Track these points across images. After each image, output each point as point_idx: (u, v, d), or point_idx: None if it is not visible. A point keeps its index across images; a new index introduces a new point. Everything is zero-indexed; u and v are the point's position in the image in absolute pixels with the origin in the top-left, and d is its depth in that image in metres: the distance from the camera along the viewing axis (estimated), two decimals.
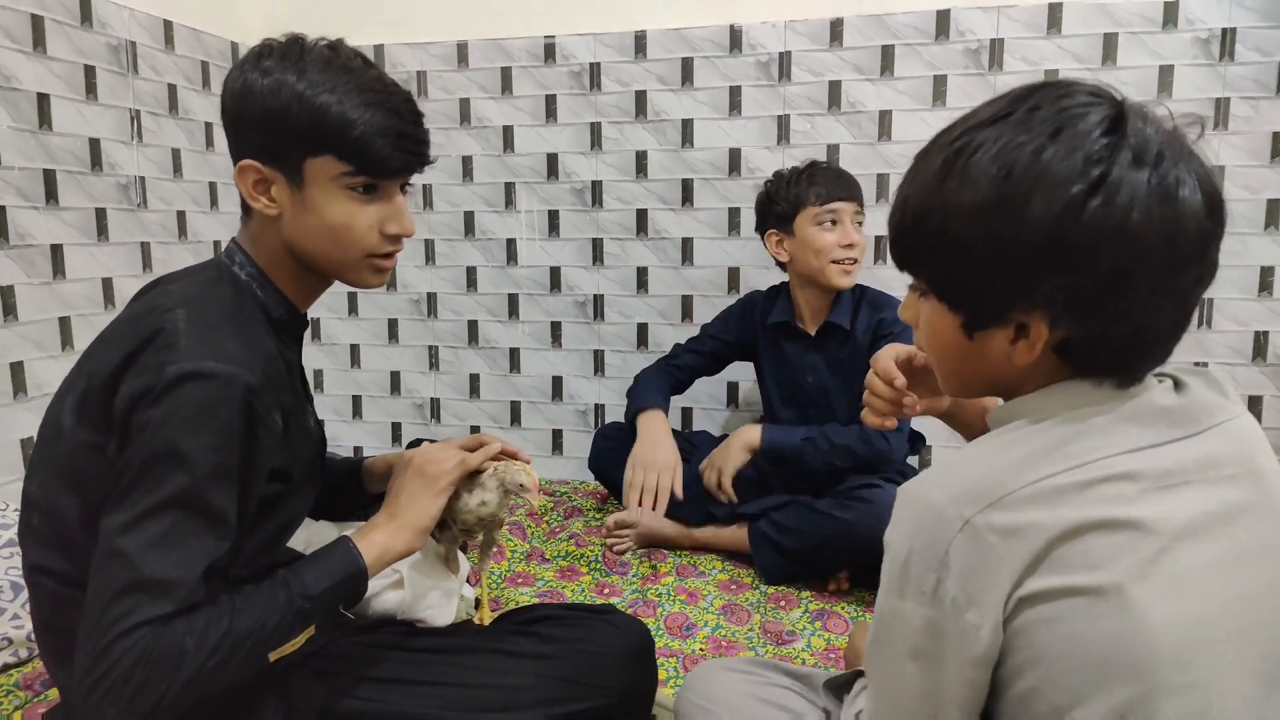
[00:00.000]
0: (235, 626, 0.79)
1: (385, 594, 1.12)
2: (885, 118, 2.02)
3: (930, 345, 0.68)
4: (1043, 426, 0.59)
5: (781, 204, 1.70)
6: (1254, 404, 1.96)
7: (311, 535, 1.18)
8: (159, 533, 0.76)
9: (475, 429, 2.38)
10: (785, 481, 1.67)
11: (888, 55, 2.01)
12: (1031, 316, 0.58)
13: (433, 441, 1.11)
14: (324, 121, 0.86)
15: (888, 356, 0.86)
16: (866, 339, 1.68)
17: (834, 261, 1.65)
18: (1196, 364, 1.16)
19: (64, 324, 1.70)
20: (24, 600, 1.27)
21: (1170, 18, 1.90)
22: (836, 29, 2.02)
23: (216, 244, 2.12)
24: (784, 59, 2.06)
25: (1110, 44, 1.93)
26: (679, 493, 1.57)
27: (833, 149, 2.05)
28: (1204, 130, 0.58)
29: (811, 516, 1.52)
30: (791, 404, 1.81)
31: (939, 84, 1.99)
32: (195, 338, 0.80)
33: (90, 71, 1.76)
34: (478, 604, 1.23)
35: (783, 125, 2.08)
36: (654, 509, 1.57)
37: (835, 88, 2.04)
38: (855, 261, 1.67)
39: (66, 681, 0.88)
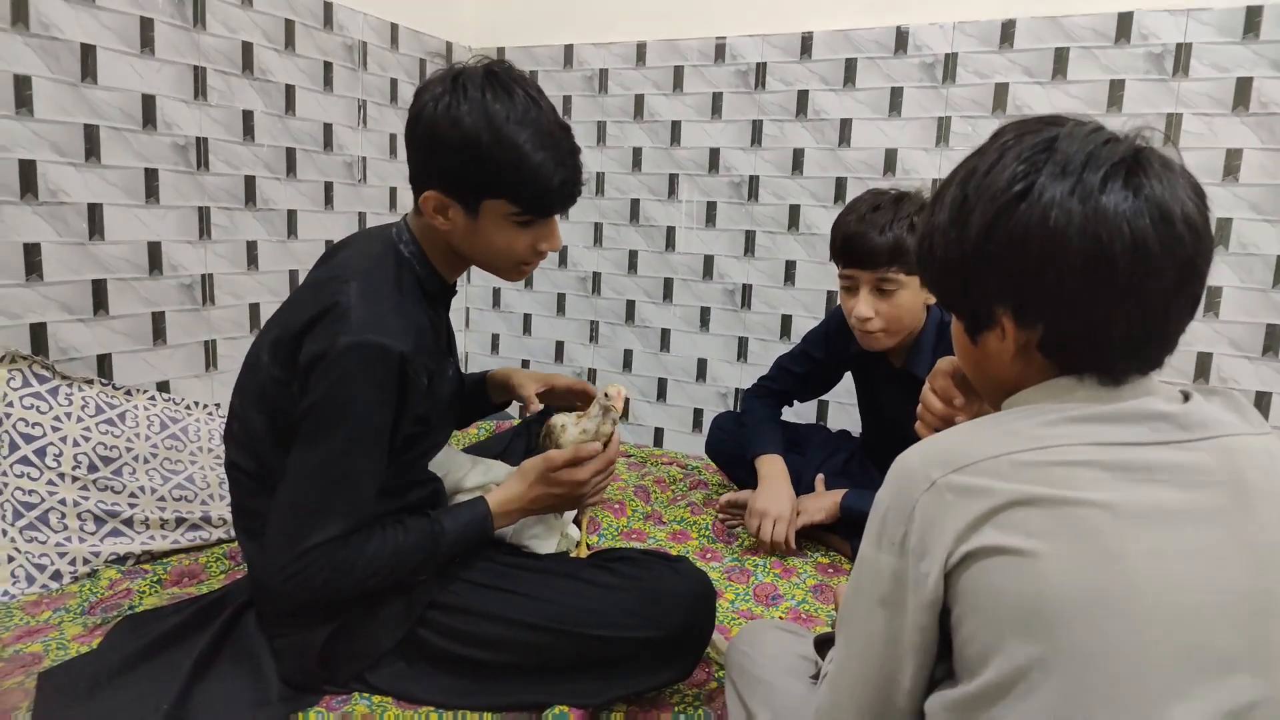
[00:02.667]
0: (389, 558, 1.04)
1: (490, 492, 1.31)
2: None
3: (958, 355, 0.79)
4: (1022, 412, 0.66)
5: (831, 249, 1.59)
6: None
7: (444, 458, 1.40)
8: (335, 467, 1.01)
9: (625, 402, 2.57)
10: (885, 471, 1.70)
11: (1061, 58, 1.95)
12: (1001, 314, 0.67)
13: (556, 411, 1.33)
14: (506, 178, 1.04)
15: (945, 374, 0.89)
16: None
17: (855, 327, 1.57)
18: None
19: (294, 275, 2.07)
20: None
21: (1123, 32, 1.86)
22: (1008, 30, 1.99)
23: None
24: (950, 60, 2.05)
25: (1061, 58, 1.92)
26: (792, 544, 1.63)
27: None
28: (1153, 138, 0.64)
29: None
30: (877, 429, 1.82)
31: (1114, 88, 1.91)
32: (362, 313, 1.02)
33: (328, 67, 2.11)
34: (578, 543, 1.40)
35: (943, 127, 2.08)
36: (775, 554, 1.63)
37: (1002, 90, 2.01)
38: (873, 334, 1.54)
39: (253, 552, 1.15)
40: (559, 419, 1.26)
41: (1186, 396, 0.66)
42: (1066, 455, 0.60)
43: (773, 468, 1.73)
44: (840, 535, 1.69)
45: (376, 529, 1.06)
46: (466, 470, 1.39)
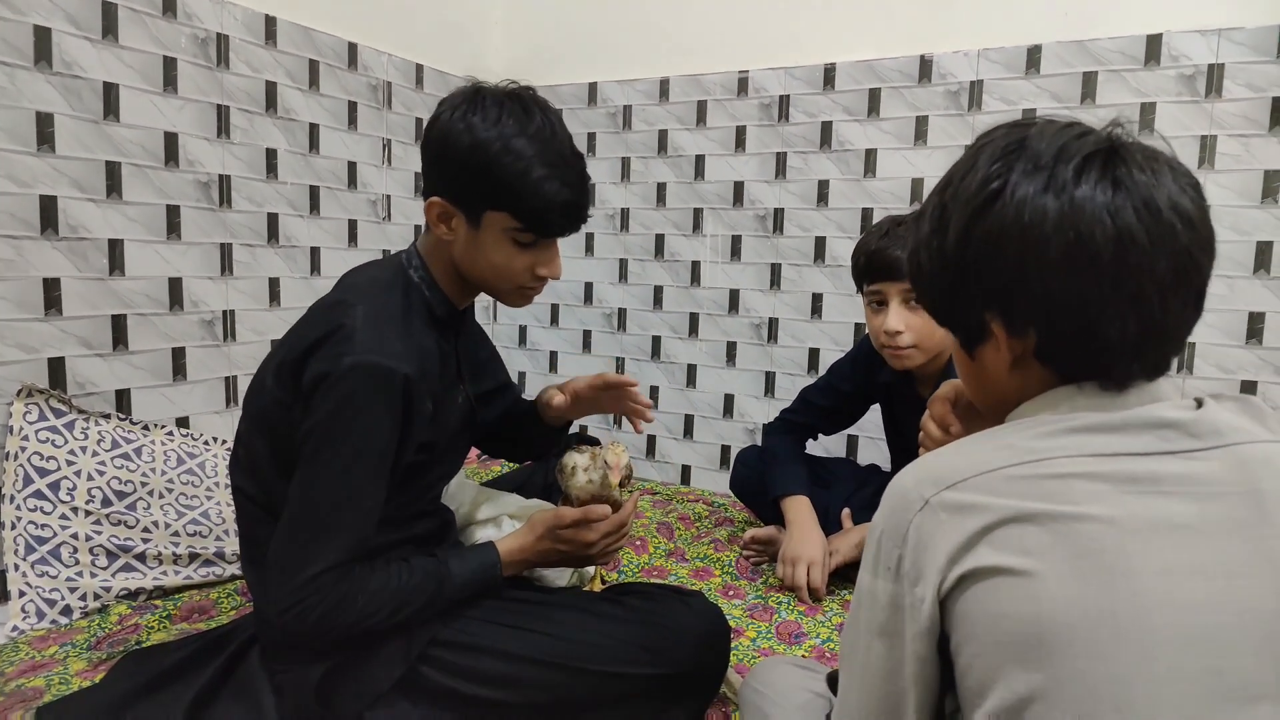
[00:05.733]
0: (391, 596, 1.01)
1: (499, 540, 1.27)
2: None
3: (960, 375, 0.75)
4: (1019, 425, 0.62)
5: (854, 273, 1.58)
6: None
7: (457, 490, 1.36)
8: (337, 491, 0.98)
9: (651, 440, 2.52)
10: None
11: (1089, 82, 1.91)
12: (990, 320, 0.64)
13: (580, 443, 1.27)
14: (510, 188, 1.03)
15: (943, 399, 0.86)
16: None
17: (884, 346, 1.53)
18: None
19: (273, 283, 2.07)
20: None
21: (1153, 54, 1.82)
22: (1034, 56, 1.95)
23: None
24: (975, 88, 2.02)
25: (1090, 82, 1.89)
26: (821, 591, 1.55)
27: None
28: (1131, 128, 0.62)
29: None
30: (905, 456, 1.75)
31: (1145, 110, 1.86)
32: (367, 335, 1.00)
33: (353, 107, 2.14)
34: (592, 576, 1.35)
35: None
36: (813, 600, 1.56)
37: (1028, 116, 1.96)
38: (904, 350, 1.49)
39: (255, 580, 1.12)
40: (570, 459, 1.23)
41: (1200, 403, 0.61)
42: (1063, 468, 0.56)
43: (800, 510, 1.67)
44: None
45: (380, 564, 1.03)
46: (479, 503, 1.36)
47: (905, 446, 1.76)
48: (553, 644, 1.05)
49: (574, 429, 1.45)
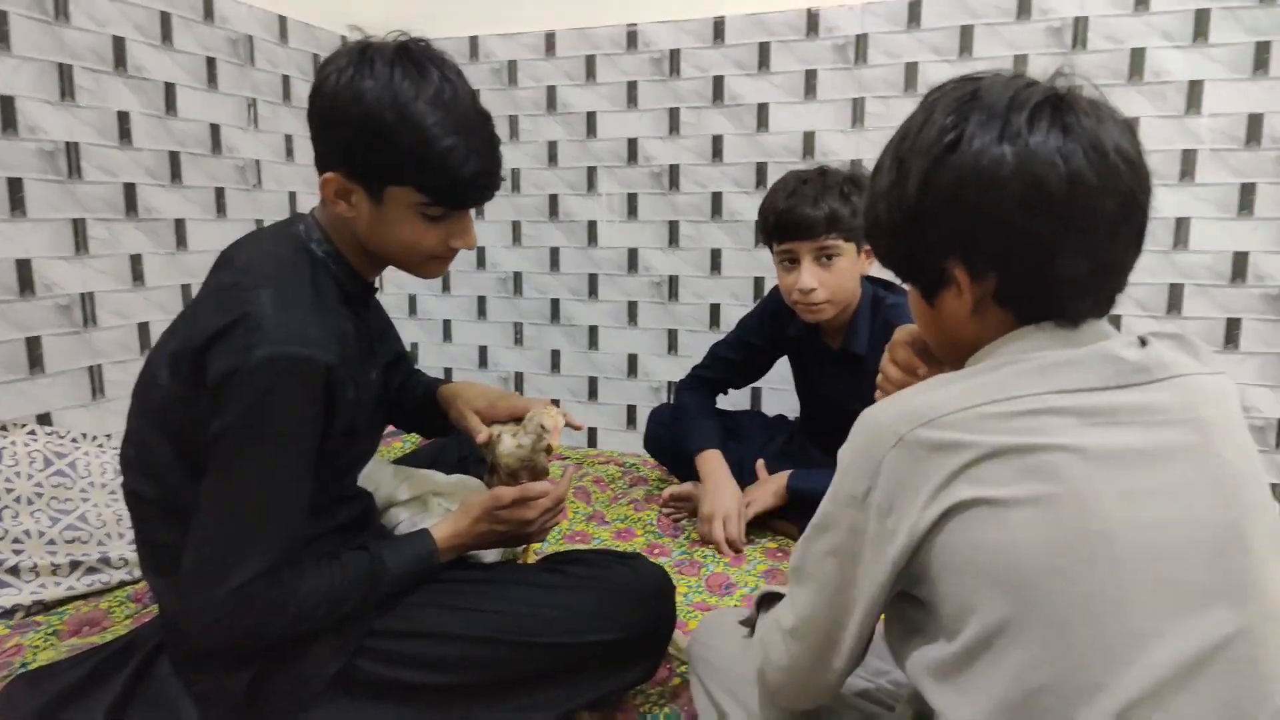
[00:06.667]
0: (324, 597, 0.94)
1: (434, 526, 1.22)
2: None
3: (919, 323, 0.78)
4: (986, 365, 0.65)
5: (761, 232, 1.60)
6: None
7: (373, 471, 1.29)
8: (258, 495, 0.90)
9: (556, 401, 2.48)
10: (826, 450, 1.69)
11: (966, 35, 1.98)
12: (951, 267, 0.66)
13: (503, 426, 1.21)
14: (413, 162, 0.92)
15: (905, 344, 0.88)
16: (879, 363, 1.61)
17: (797, 303, 1.56)
18: None
19: (186, 290, 1.91)
20: None
21: (1024, 8, 1.94)
22: (915, 10, 2.00)
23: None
24: (860, 41, 2.06)
25: (967, 35, 1.99)
26: (740, 542, 1.57)
27: None
28: (1073, 78, 0.67)
29: None
30: (816, 409, 1.82)
31: (1018, 63, 1.95)
32: (279, 321, 0.89)
33: (212, 64, 1.96)
34: (524, 549, 1.32)
35: (858, 108, 2.08)
36: (733, 551, 1.58)
37: (912, 69, 2.03)
38: (817, 305, 1.53)
39: (162, 589, 1.02)
40: (495, 428, 1.18)
41: (1143, 341, 0.66)
42: (1033, 404, 0.60)
43: (714, 465, 1.69)
44: (788, 519, 1.66)
45: (309, 565, 0.95)
46: (398, 483, 1.30)
47: (814, 392, 1.81)
48: (499, 620, 1.01)
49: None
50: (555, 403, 1.21)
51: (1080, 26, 1.91)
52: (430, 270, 1.06)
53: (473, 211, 1.05)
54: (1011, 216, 0.62)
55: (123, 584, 1.42)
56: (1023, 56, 1.95)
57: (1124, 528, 0.57)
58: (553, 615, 1.02)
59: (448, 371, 2.58)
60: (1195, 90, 1.86)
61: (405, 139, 0.92)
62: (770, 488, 1.65)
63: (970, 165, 0.63)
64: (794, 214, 1.50)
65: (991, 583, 0.57)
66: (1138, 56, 1.88)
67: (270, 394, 0.88)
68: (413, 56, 0.95)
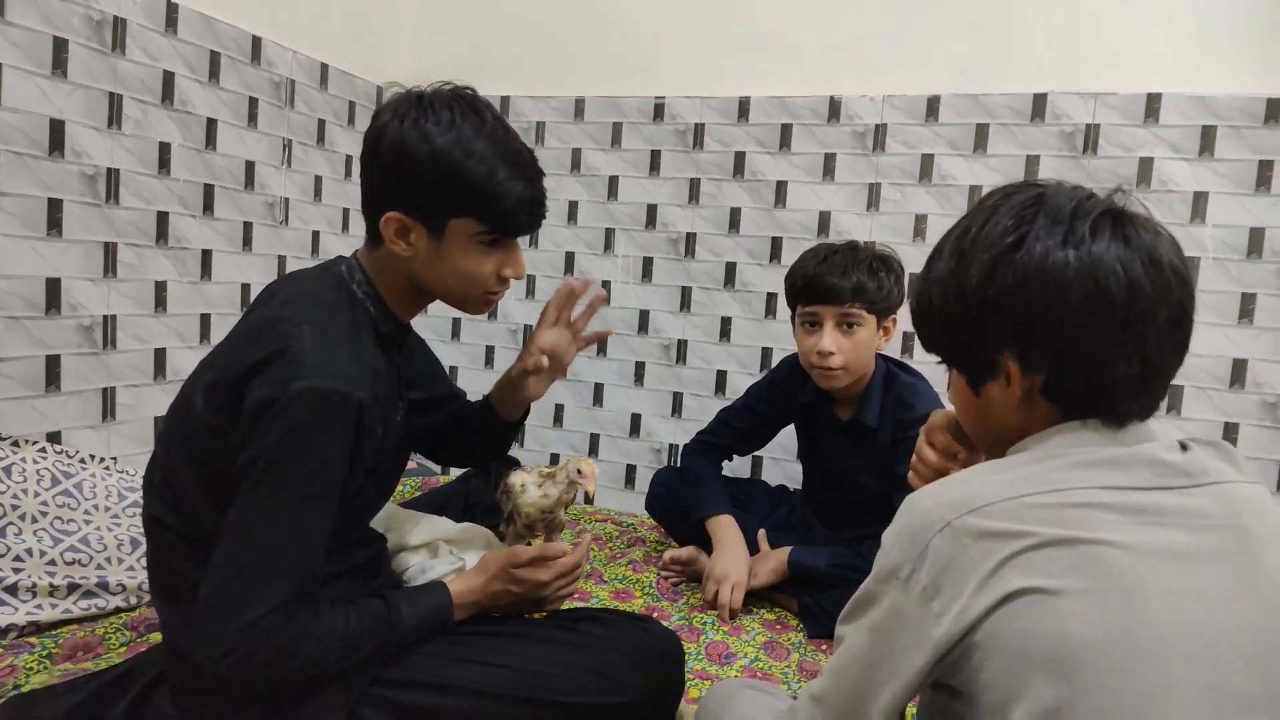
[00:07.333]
0: (338, 642, 0.95)
1: (449, 580, 1.22)
2: (975, 192, 2.07)
3: (958, 410, 0.80)
4: (1030, 456, 0.67)
5: (788, 295, 1.67)
6: None
7: (384, 515, 1.30)
8: (284, 526, 0.91)
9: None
10: (829, 524, 1.71)
11: (982, 133, 2.06)
12: (1004, 359, 0.69)
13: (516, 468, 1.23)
14: (477, 193, 0.99)
15: (943, 428, 0.90)
16: (888, 438, 1.62)
17: (814, 366, 1.61)
18: None
19: (205, 319, 1.93)
20: (140, 554, 1.44)
21: (1038, 111, 2.03)
22: (933, 105, 2.09)
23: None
24: (880, 130, 2.14)
25: (982, 133, 2.08)
26: (738, 611, 1.58)
27: (921, 219, 2.11)
28: (1130, 195, 0.71)
29: None
30: (820, 480, 1.84)
31: (1030, 163, 2.03)
32: (318, 357, 0.92)
33: (254, 104, 2.01)
34: None
35: (873, 193, 2.15)
36: (732, 619, 1.58)
37: (928, 160, 2.10)
38: (834, 370, 1.57)
39: (172, 617, 1.01)
40: (518, 478, 1.20)
41: (1184, 446, 0.68)
42: (1080, 498, 0.62)
43: (728, 530, 1.70)
44: (786, 593, 1.66)
45: (326, 607, 0.96)
46: (409, 527, 1.31)
47: (820, 463, 1.82)
48: (507, 676, 1.01)
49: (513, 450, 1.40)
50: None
51: (1092, 133, 1.99)
52: (481, 306, 1.10)
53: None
54: (1072, 316, 0.66)
55: (119, 610, 1.41)
56: (1035, 157, 2.03)
57: (1170, 626, 0.58)
58: (562, 674, 1.02)
59: None
60: (1200, 201, 1.93)
61: (472, 173, 0.98)
62: (770, 564, 1.66)
63: (1036, 265, 0.66)
64: (823, 279, 1.56)
65: (1043, 669, 0.58)
66: (1146, 165, 1.96)
67: (304, 426, 0.90)
68: (467, 101, 1.03)
